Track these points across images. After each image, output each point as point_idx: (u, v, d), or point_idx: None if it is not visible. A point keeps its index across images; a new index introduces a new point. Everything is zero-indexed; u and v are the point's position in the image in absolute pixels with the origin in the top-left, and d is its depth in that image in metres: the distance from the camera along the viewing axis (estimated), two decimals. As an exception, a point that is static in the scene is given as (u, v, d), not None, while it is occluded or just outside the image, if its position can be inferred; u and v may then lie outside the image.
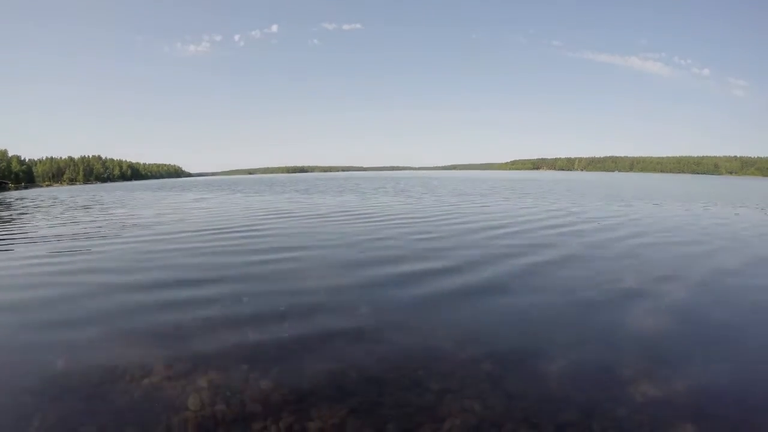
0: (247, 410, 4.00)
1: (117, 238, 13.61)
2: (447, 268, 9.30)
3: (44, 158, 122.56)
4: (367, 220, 17.72)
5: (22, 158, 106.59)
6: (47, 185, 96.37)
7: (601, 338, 5.87)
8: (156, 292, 7.61)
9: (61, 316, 6.52)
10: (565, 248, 11.47)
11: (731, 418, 4.03)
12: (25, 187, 75.44)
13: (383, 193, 38.53)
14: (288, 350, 5.31)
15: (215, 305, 6.92)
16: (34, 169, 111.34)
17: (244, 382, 4.48)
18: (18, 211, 25.85)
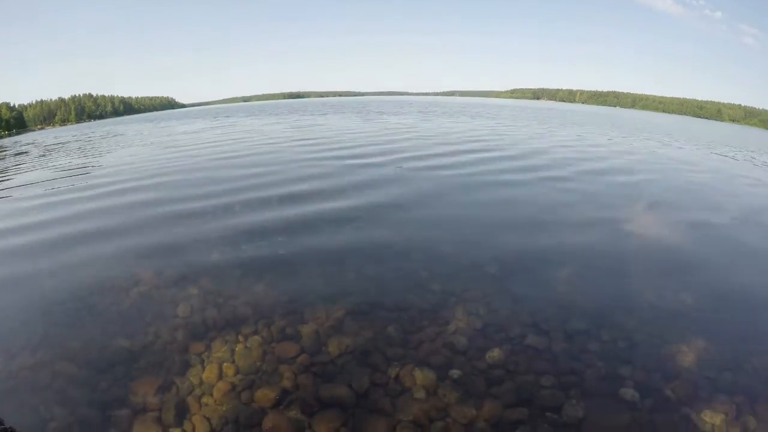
0: (238, 314, 3.84)
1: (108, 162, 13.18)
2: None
3: (34, 102, 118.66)
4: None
5: (12, 104, 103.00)
6: (39, 129, 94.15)
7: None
8: (143, 207, 7.22)
9: (48, 232, 6.23)
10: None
11: (739, 330, 3.82)
12: (17, 133, 73.71)
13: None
14: (283, 253, 5.06)
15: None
16: (24, 114, 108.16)
17: (236, 287, 4.29)
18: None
